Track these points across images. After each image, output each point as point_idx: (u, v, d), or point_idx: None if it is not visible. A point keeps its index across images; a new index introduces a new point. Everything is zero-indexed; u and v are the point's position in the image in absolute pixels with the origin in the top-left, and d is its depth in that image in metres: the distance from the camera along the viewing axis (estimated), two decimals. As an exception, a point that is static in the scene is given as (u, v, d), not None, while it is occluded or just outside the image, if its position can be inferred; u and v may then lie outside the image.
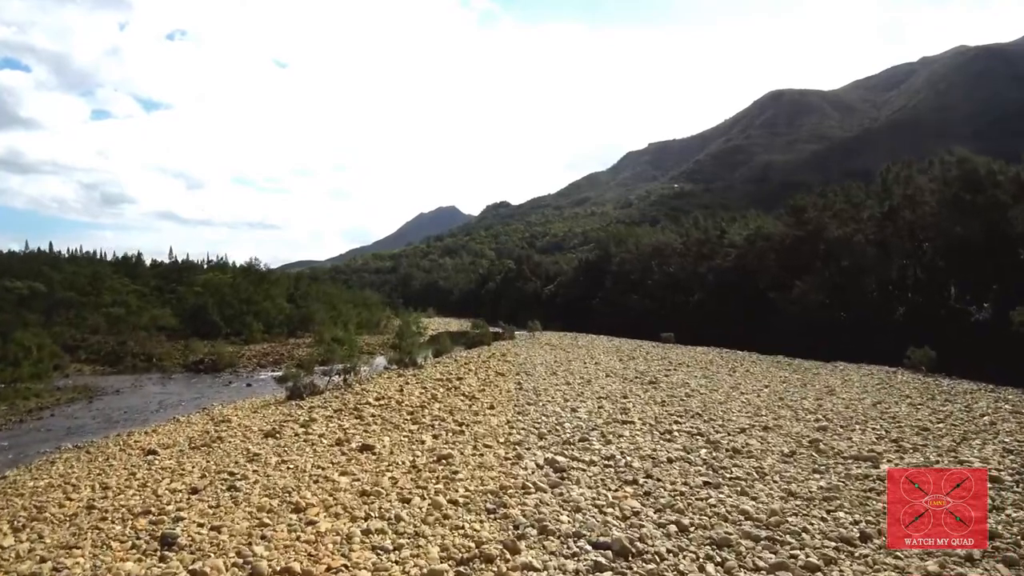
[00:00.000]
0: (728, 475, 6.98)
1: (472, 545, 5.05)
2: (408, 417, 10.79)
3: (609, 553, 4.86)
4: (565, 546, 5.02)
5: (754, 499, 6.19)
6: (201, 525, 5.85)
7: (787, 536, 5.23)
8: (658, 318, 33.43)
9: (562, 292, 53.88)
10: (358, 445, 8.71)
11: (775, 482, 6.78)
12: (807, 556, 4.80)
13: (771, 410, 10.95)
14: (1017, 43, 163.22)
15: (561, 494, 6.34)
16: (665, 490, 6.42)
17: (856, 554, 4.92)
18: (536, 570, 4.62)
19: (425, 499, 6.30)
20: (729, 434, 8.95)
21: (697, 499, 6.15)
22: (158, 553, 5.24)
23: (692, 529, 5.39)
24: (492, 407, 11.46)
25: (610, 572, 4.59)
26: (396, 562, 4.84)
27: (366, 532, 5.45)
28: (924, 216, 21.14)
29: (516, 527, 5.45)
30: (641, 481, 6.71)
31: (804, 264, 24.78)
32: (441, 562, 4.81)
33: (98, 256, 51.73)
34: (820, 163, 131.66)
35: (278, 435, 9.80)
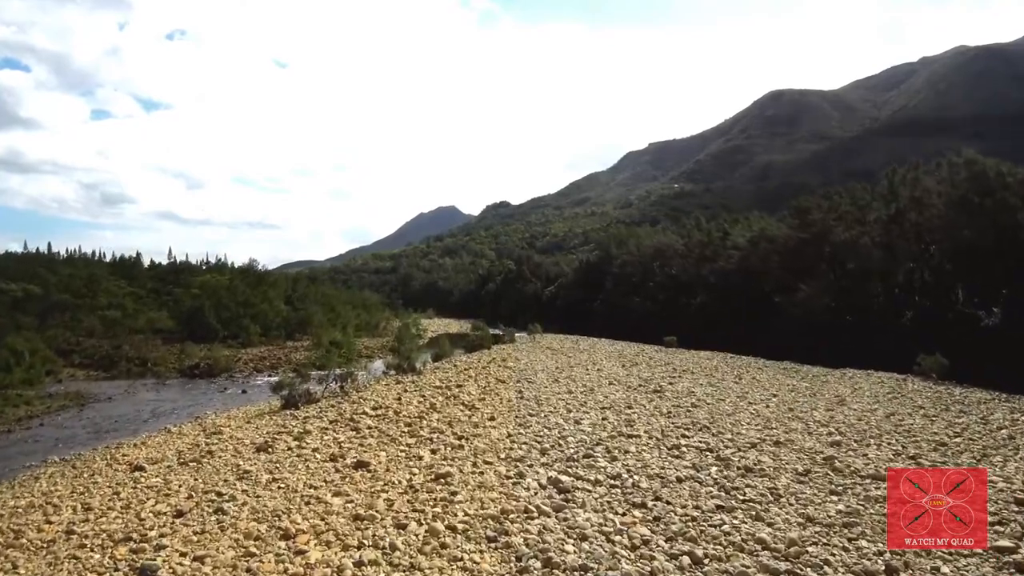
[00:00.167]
0: (741, 496, 6.63)
1: (472, 581, 4.71)
2: (406, 429, 10.44)
3: (619, 591, 4.52)
4: (572, 583, 4.68)
5: (770, 525, 5.84)
6: (184, 555, 5.51)
7: (808, 570, 4.89)
8: (660, 320, 33.06)
9: (563, 294, 53.52)
10: (353, 461, 8.36)
11: (791, 505, 6.43)
12: (833, 595, 4.46)
13: (781, 422, 10.60)
14: (1017, 43, 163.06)
15: (566, 519, 5.99)
16: (676, 515, 6.08)
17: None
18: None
19: (422, 524, 5.96)
20: (739, 449, 8.60)
21: (710, 525, 5.80)
22: (135, 589, 4.90)
23: (707, 561, 5.05)
24: (493, 418, 11.12)
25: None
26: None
27: (359, 564, 5.11)
28: (931, 219, 20.78)
29: (519, 559, 5.12)
30: (650, 504, 6.37)
31: (808, 267, 24.43)
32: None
33: (97, 257, 51.50)
34: (820, 163, 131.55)
35: (270, 449, 9.45)
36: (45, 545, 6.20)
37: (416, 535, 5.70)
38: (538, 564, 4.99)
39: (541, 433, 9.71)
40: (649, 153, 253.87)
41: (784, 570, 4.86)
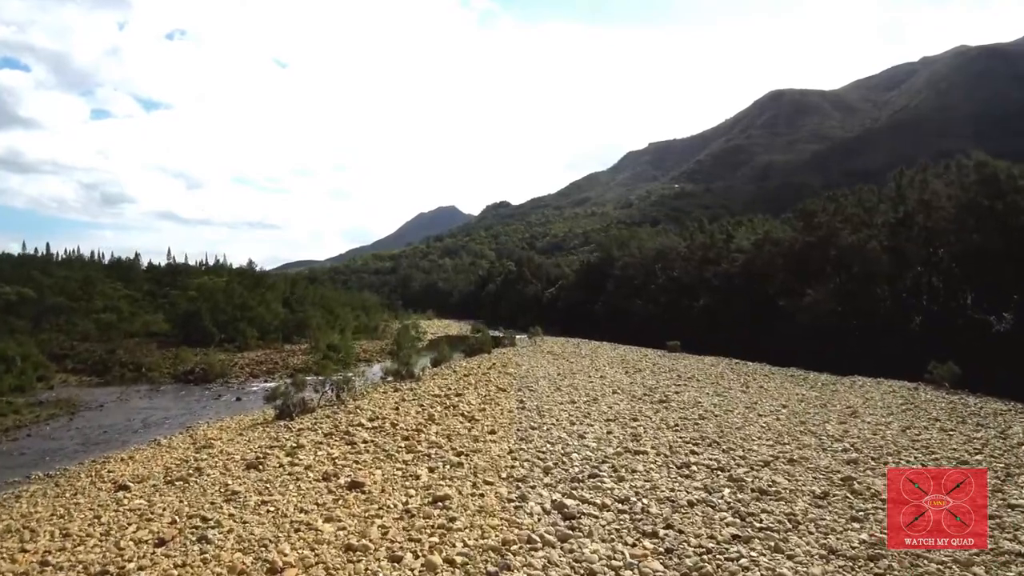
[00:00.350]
0: (758, 524, 6.25)
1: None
2: (403, 444, 10.05)
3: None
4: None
5: (791, 558, 5.46)
6: (161, 592, 5.12)
7: (837, 614, 4.50)
8: (662, 323, 32.67)
9: (563, 295, 53.11)
10: (347, 481, 7.96)
11: (811, 534, 6.05)
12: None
13: (793, 436, 10.21)
14: (1017, 43, 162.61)
15: (572, 551, 5.61)
16: (689, 545, 5.69)
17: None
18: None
19: (418, 557, 5.57)
20: (752, 468, 8.21)
21: (727, 559, 5.41)
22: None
23: (726, 603, 4.66)
24: (493, 431, 10.73)
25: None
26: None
27: (349, 606, 4.72)
28: (940, 222, 20.39)
29: (522, 600, 4.73)
30: (661, 533, 5.98)
31: (814, 270, 24.05)
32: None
33: (96, 257, 51.17)
34: (821, 163, 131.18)
35: (261, 467, 9.05)
36: (16, 578, 5.81)
37: (411, 569, 5.32)
38: (543, 606, 4.60)
39: (544, 449, 9.32)
40: (649, 153, 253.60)
41: (810, 614, 4.48)
